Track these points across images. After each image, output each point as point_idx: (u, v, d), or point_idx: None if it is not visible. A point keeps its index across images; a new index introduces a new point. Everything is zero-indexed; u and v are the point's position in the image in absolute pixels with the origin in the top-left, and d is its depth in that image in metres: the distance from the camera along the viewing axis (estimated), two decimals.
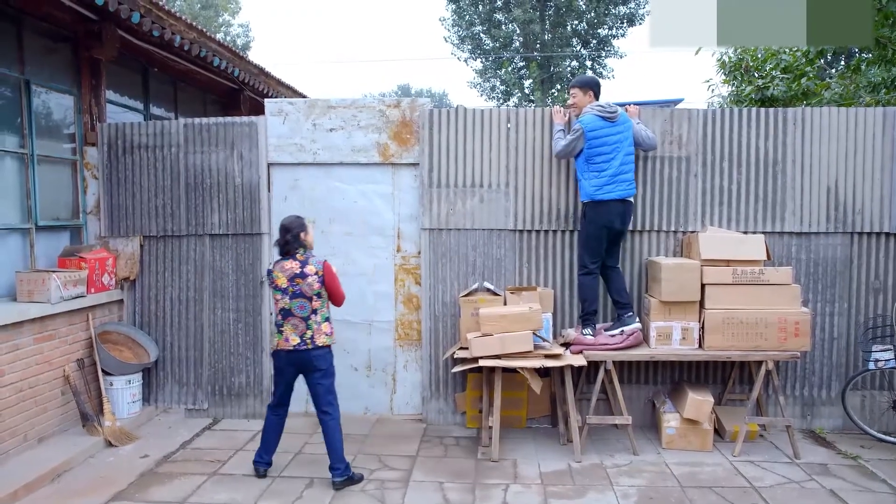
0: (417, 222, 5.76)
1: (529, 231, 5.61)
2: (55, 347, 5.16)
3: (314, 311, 4.47)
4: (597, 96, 5.24)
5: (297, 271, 4.45)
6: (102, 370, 5.52)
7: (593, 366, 5.14)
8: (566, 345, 5.23)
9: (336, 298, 4.61)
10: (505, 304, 5.29)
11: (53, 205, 5.64)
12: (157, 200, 5.87)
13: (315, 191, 5.87)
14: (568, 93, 5.24)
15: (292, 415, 5.94)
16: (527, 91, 22.86)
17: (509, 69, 23.00)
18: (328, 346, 4.56)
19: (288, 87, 9.22)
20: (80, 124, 5.90)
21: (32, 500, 4.25)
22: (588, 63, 24.15)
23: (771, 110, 5.48)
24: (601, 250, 5.16)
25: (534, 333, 4.97)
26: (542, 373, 5.31)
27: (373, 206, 5.84)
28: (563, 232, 5.61)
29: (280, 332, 4.52)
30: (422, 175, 5.66)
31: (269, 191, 5.84)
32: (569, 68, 23.96)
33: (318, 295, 4.48)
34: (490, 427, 5.06)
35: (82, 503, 4.20)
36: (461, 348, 5.27)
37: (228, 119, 5.86)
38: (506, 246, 5.62)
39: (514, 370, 4.96)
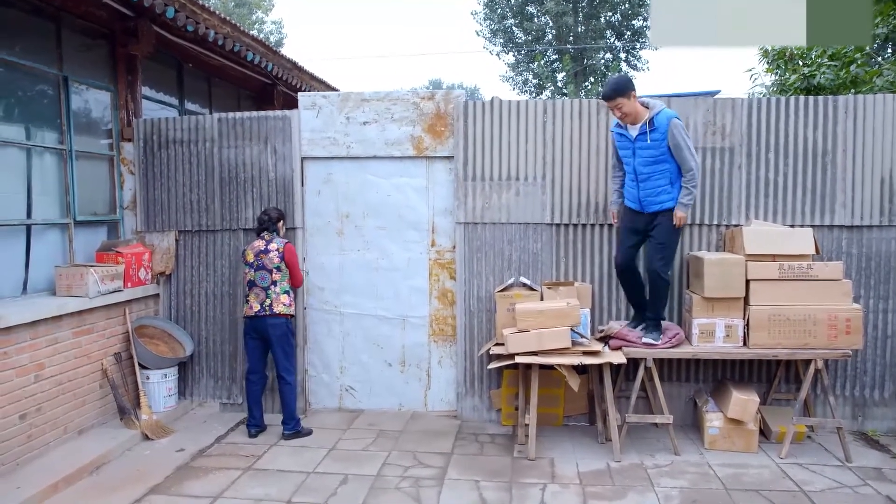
0: (452, 216, 5.68)
1: (566, 225, 5.48)
2: (93, 341, 5.21)
3: (274, 283, 5.22)
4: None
5: (263, 248, 5.25)
6: (139, 364, 5.56)
7: (633, 363, 5.00)
8: (605, 339, 5.10)
9: (294, 278, 5.33)
10: (542, 299, 5.18)
11: (91, 200, 5.69)
12: (191, 195, 5.88)
13: (349, 185, 5.82)
14: (613, 109, 4.70)
15: (326, 410, 5.97)
16: (560, 84, 22.58)
17: (542, 62, 22.75)
18: (286, 317, 5.26)
19: (321, 82, 9.21)
20: (116, 120, 5.94)
21: (72, 492, 4.29)
22: (622, 55, 23.79)
23: (820, 98, 5.25)
24: None
25: (571, 330, 4.85)
26: (580, 370, 5.19)
27: (407, 199, 5.77)
28: (601, 226, 5.46)
29: (246, 301, 5.29)
30: (456, 168, 5.57)
31: (302, 185, 5.81)
32: (602, 60, 23.63)
33: (278, 269, 5.22)
34: (526, 425, 4.95)
35: (120, 497, 4.22)
36: (497, 344, 5.18)
37: (262, 113, 5.84)
38: (542, 240, 5.50)
39: (551, 367, 4.84)
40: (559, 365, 4.75)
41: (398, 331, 5.87)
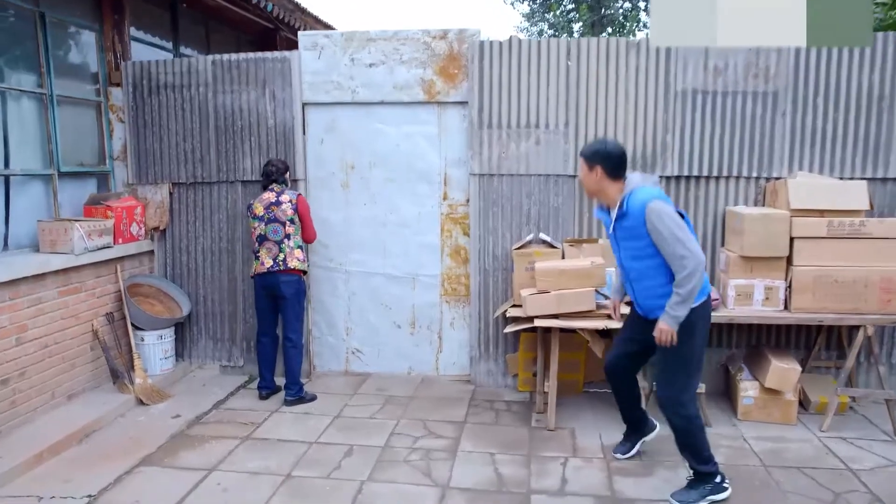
0: (466, 167, 5.23)
1: None
2: (82, 301, 4.87)
3: (287, 236, 4.84)
4: (619, 172, 3.43)
5: (274, 199, 4.85)
6: (133, 325, 5.23)
7: None
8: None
9: (307, 232, 5.00)
10: (563, 257, 4.76)
11: (77, 150, 5.29)
12: (185, 145, 5.46)
13: (354, 133, 5.37)
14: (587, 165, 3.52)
15: (332, 374, 5.64)
16: (576, 35, 21.70)
17: (557, 12, 21.83)
18: (299, 273, 4.90)
19: (326, 25, 8.65)
20: (103, 63, 5.49)
21: (57, 462, 3.99)
22: (641, 4, 22.78)
23: (879, 34, 4.70)
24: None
25: (596, 291, 4.44)
26: (604, 333, 4.80)
27: (417, 149, 5.33)
28: None
29: (257, 258, 4.87)
30: (471, 115, 5.10)
31: (303, 133, 5.37)
32: (621, 10, 22.66)
33: (291, 221, 4.86)
34: (545, 392, 4.60)
35: (108, 468, 3.92)
36: (514, 306, 4.79)
37: (259, 55, 5.36)
38: (564, 193, 5.05)
39: (572, 331, 4.46)
40: (582, 329, 4.36)
41: (408, 290, 5.49)
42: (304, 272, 4.96)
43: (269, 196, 4.86)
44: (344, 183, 5.44)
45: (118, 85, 5.52)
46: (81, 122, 5.36)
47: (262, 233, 4.82)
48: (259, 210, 4.84)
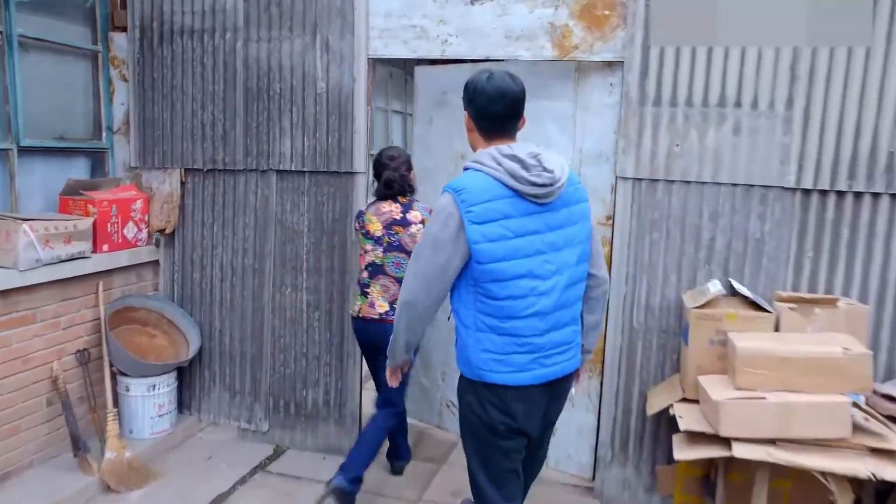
0: (609, 166, 3.35)
1: (825, 191, 3.02)
2: (35, 335, 3.35)
3: None
4: (489, 124, 2.12)
5: (398, 217, 3.28)
6: (117, 370, 3.70)
7: None
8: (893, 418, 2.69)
9: None
10: (778, 328, 2.82)
11: (60, 117, 3.79)
12: (204, 114, 3.85)
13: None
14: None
15: (420, 427, 3.96)
16: None
17: None
18: None
19: None
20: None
21: None
22: None
23: None
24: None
25: (854, 405, 2.49)
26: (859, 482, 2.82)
27: (544, 134, 3.50)
28: (894, 196, 2.98)
29: (364, 295, 3.32)
30: (627, 83, 3.20)
31: (367, 104, 3.63)
32: None
33: None
34: None
35: None
36: (685, 400, 2.90)
37: None
38: (774, 215, 3.08)
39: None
40: (828, 474, 2.42)
41: None
42: None
43: (390, 209, 3.30)
44: (454, 177, 3.70)
45: (123, 29, 3.97)
46: (67, 78, 3.85)
47: (379, 262, 3.29)
48: (375, 227, 3.28)
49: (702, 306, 2.88)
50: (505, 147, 2.02)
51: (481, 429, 2.11)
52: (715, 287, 2.95)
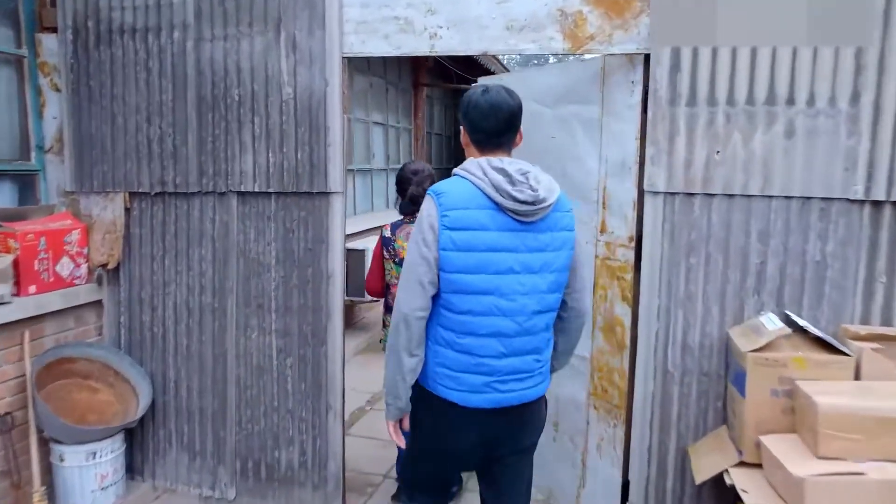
0: (631, 178, 2.82)
1: None
2: None
3: None
4: (483, 138, 2.03)
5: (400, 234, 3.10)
6: (50, 438, 3.08)
7: None
8: None
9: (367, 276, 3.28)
10: (858, 374, 2.29)
11: None
12: (150, 129, 3.26)
13: None
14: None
15: None
16: None
17: None
18: None
19: None
20: None
21: None
22: None
23: None
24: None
25: None
26: None
27: (572, 143, 3.01)
28: None
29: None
30: (656, 78, 2.67)
31: (343, 111, 3.06)
32: None
33: None
34: None
35: None
36: (741, 464, 2.35)
37: None
38: (838, 234, 2.55)
39: None
40: None
41: None
42: None
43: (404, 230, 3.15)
44: None
45: (53, 30, 3.38)
46: None
47: None
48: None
49: (761, 349, 2.34)
50: (495, 159, 1.96)
51: (427, 438, 2.09)
52: (773, 323, 2.41)
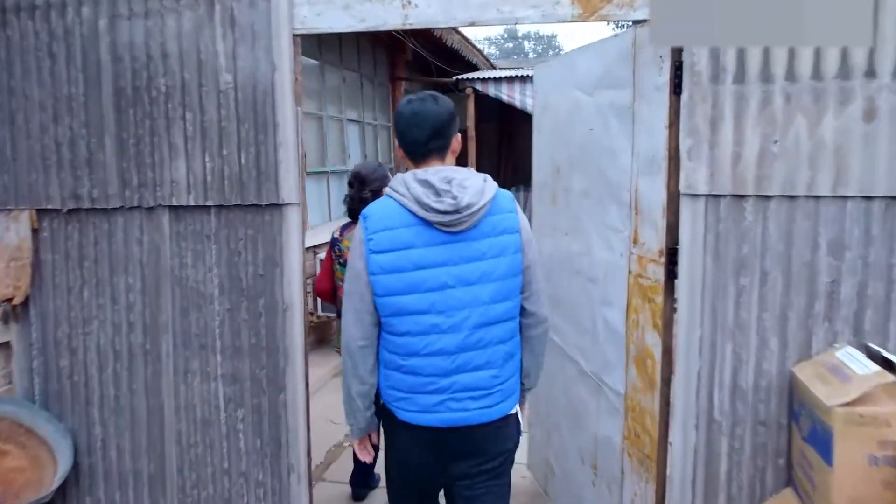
0: (660, 175, 2.23)
1: None
2: None
3: None
4: (409, 147, 1.99)
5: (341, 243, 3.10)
6: None
7: None
8: None
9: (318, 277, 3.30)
10: None
11: None
12: (58, 130, 2.62)
13: (560, 108, 2.89)
14: None
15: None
16: None
17: None
18: None
19: None
20: None
21: None
22: None
23: None
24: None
25: None
26: None
27: (607, 134, 2.50)
28: None
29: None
30: (693, 49, 2.09)
31: (295, 101, 2.45)
32: None
33: None
34: None
35: None
36: None
37: None
38: None
39: None
40: None
41: (592, 401, 2.77)
42: None
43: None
44: (552, 196, 3.02)
45: None
46: None
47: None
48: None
49: (852, 402, 1.76)
50: (422, 171, 1.92)
51: (392, 456, 2.11)
52: (861, 364, 1.85)
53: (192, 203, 2.53)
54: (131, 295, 2.64)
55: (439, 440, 1.94)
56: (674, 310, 2.29)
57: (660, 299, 2.32)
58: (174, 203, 2.54)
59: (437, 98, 1.96)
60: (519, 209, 1.96)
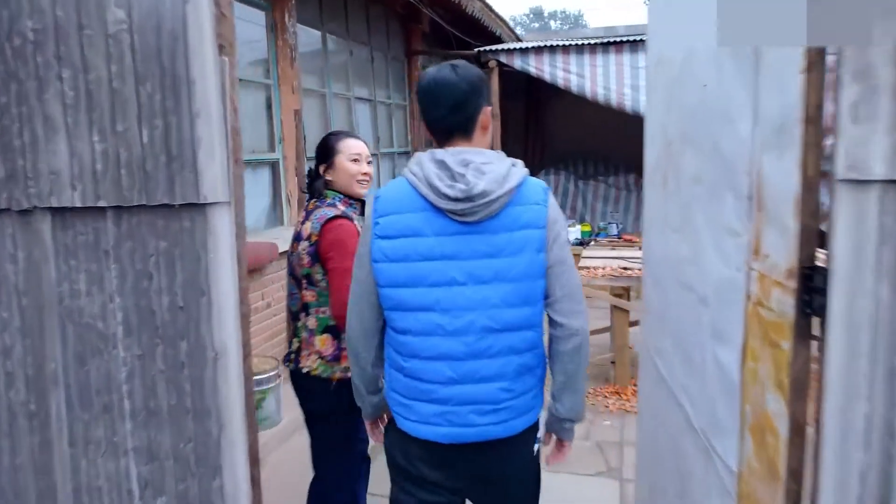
0: (793, 150, 1.36)
1: None
2: None
3: (305, 308, 2.45)
4: (431, 124, 1.83)
5: (298, 229, 2.48)
6: None
7: None
8: None
9: (332, 295, 2.32)
10: None
11: None
12: None
13: (676, 65, 2.04)
14: None
15: None
16: None
17: None
18: (326, 380, 2.41)
19: None
20: None
21: None
22: None
23: None
24: None
25: None
26: None
27: (722, 91, 1.63)
28: None
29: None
30: None
31: (216, 49, 1.63)
32: None
33: (308, 279, 2.41)
34: None
35: None
36: None
37: None
38: None
39: None
40: None
41: (700, 466, 1.88)
42: (337, 379, 2.42)
43: (298, 220, 2.55)
44: (664, 180, 2.26)
45: None
46: None
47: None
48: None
49: None
50: (441, 150, 1.75)
51: (391, 465, 1.95)
52: None
53: (79, 203, 1.73)
54: (7, 335, 1.86)
55: (440, 455, 1.79)
56: (808, 362, 1.44)
57: (787, 345, 1.46)
58: (55, 204, 1.75)
59: (457, 67, 1.76)
60: (552, 201, 1.73)
